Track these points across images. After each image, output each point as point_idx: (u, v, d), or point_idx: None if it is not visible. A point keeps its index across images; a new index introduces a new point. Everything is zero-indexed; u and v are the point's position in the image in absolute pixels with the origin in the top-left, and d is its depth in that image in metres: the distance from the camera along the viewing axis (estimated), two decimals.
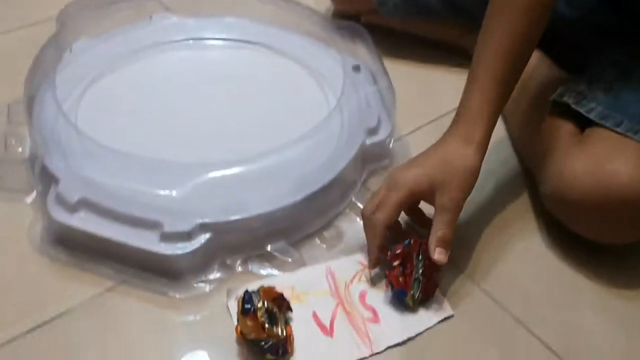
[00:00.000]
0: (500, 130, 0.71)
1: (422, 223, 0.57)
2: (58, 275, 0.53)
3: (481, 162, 0.54)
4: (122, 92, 0.67)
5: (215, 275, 0.54)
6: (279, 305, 0.50)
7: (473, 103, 0.54)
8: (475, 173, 0.53)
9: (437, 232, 0.51)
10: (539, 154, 0.62)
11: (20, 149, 0.62)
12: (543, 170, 0.60)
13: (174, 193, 0.54)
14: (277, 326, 0.47)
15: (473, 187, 0.54)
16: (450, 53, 0.79)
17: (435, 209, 0.52)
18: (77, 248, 0.54)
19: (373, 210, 0.53)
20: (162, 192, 0.54)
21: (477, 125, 0.54)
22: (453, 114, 0.71)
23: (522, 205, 0.63)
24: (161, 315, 0.51)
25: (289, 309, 0.50)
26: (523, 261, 0.57)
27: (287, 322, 0.49)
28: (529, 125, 0.67)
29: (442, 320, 0.52)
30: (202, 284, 0.53)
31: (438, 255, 0.51)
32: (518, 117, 0.69)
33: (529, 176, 0.65)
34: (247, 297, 0.47)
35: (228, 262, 0.55)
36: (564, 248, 0.59)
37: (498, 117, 0.55)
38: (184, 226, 0.52)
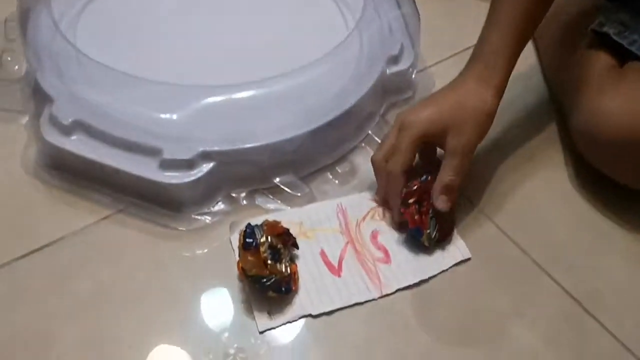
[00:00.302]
0: (529, 53, 0.65)
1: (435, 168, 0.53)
2: (52, 201, 0.50)
3: (497, 106, 0.49)
4: (123, 9, 0.61)
5: (218, 207, 0.50)
6: (284, 241, 0.46)
7: (493, 44, 0.49)
8: (491, 118, 0.49)
9: (444, 178, 0.47)
10: (571, 85, 0.56)
11: (16, 67, 0.58)
12: (574, 104, 0.54)
13: (175, 118, 0.50)
14: (280, 263, 0.44)
15: (487, 132, 0.49)
16: None
17: (445, 153, 0.48)
18: (72, 173, 0.51)
19: (386, 156, 0.49)
20: (162, 117, 0.50)
21: (496, 67, 0.49)
22: None
23: (549, 139, 0.58)
24: (159, 247, 0.48)
25: (295, 245, 0.47)
26: (547, 201, 0.53)
27: (292, 260, 0.46)
28: (561, 54, 0.61)
29: (458, 263, 0.48)
30: (203, 217, 0.50)
31: (441, 203, 0.47)
32: (549, 43, 0.63)
33: (559, 108, 0.60)
34: (249, 231, 0.44)
35: (232, 194, 0.51)
36: (592, 189, 0.54)
37: (517, 59, 0.50)
38: (185, 154, 0.48)
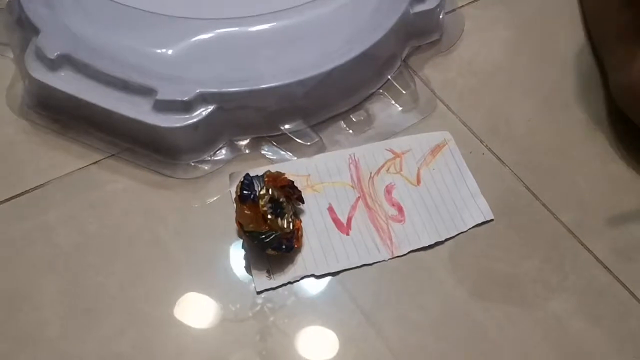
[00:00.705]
0: (575, 6, 0.58)
1: None
2: (39, 143, 0.46)
3: None
4: None
5: (218, 156, 0.46)
6: (288, 194, 0.42)
7: None
8: None
9: None
10: (611, 32, 0.50)
11: None
12: (614, 55, 0.48)
13: (172, 54, 0.45)
14: (282, 218, 0.40)
15: None
16: None
17: None
18: (62, 113, 0.46)
19: None
20: (158, 53, 0.45)
21: None
22: None
23: (588, 92, 0.51)
24: (152, 197, 0.44)
25: (301, 200, 0.43)
26: (582, 160, 0.47)
27: (296, 215, 0.42)
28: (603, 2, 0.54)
29: (478, 224, 0.43)
30: (202, 165, 0.45)
31: None
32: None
33: (599, 58, 0.53)
34: (247, 182, 0.39)
35: (234, 141, 0.47)
36: (631, 150, 0.48)
37: None
38: (181, 95, 0.43)
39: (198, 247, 0.42)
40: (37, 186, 0.44)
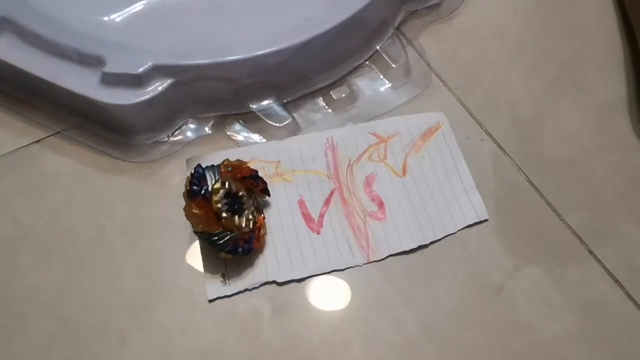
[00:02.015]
0: None
1: None
2: None
3: None
4: None
5: (177, 136, 0.40)
6: (250, 186, 0.36)
7: None
8: None
9: None
10: None
11: None
12: None
13: (123, 20, 0.38)
14: (241, 216, 0.34)
15: None
16: None
17: None
18: (5, 84, 0.40)
19: None
20: (106, 18, 0.38)
21: None
22: None
23: (605, 70, 0.43)
24: (99, 182, 0.38)
25: (266, 192, 0.37)
26: (597, 152, 0.40)
27: (259, 210, 0.36)
28: None
29: (470, 225, 0.37)
30: (159, 146, 0.39)
31: None
32: None
33: (630, 31, 0.45)
34: (197, 175, 0.33)
35: (196, 120, 0.40)
36: None
37: None
38: (132, 68, 0.37)
39: (147, 245, 0.36)
40: None
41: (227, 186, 0.34)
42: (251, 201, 0.35)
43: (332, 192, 0.38)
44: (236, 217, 0.33)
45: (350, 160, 0.39)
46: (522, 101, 0.42)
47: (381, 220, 0.37)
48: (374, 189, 0.39)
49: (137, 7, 0.38)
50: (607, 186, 0.39)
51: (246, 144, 0.40)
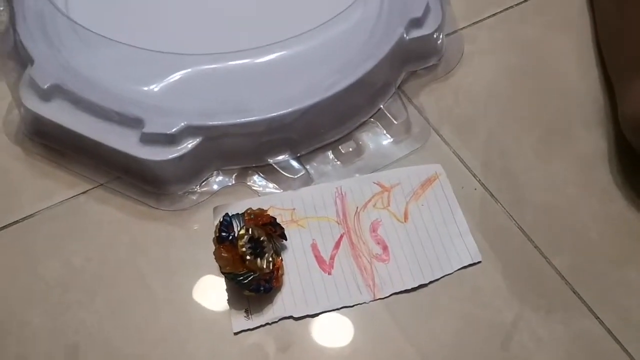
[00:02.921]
0: (584, 19, 0.54)
1: None
2: (32, 171, 0.45)
3: None
4: None
5: (205, 187, 0.45)
6: (270, 232, 0.40)
7: None
8: None
9: None
10: (629, 61, 0.46)
11: (7, 16, 0.53)
12: (627, 86, 0.45)
13: (159, 87, 0.43)
14: (262, 258, 0.39)
15: None
16: None
17: None
18: (54, 141, 0.46)
19: None
20: (145, 85, 0.43)
21: None
22: (527, 6, 0.56)
23: (592, 123, 0.48)
24: (137, 229, 0.43)
25: (283, 237, 0.41)
26: (581, 198, 0.44)
27: (277, 253, 0.41)
28: (619, 24, 0.50)
29: (465, 266, 0.41)
30: (189, 196, 0.44)
31: None
32: (606, 9, 0.52)
33: (608, 86, 0.49)
34: (225, 223, 0.38)
35: (221, 172, 0.45)
36: (636, 189, 0.44)
37: None
38: (167, 127, 0.42)
39: (179, 283, 0.41)
40: (27, 216, 0.43)
41: (250, 232, 0.38)
42: (271, 245, 0.40)
43: (341, 237, 0.43)
44: (258, 259, 0.38)
45: (357, 208, 0.44)
46: (512, 153, 0.47)
47: (385, 262, 0.42)
48: (378, 233, 0.43)
49: (172, 78, 0.43)
50: (590, 232, 0.43)
51: (265, 194, 0.44)
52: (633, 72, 0.45)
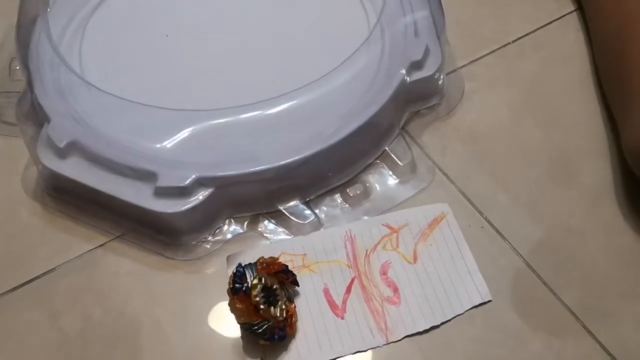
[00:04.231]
0: (582, 52, 0.55)
1: None
2: (50, 226, 0.46)
3: None
4: (123, 26, 0.55)
5: (218, 235, 0.45)
6: (282, 279, 0.41)
7: None
8: None
9: None
10: (624, 93, 0.46)
11: (25, 76, 0.54)
12: (628, 116, 0.45)
13: (171, 142, 0.45)
14: (275, 306, 0.39)
15: None
16: None
17: None
18: (71, 196, 0.47)
19: None
20: (158, 140, 0.45)
21: None
22: (524, 42, 0.58)
23: (597, 156, 0.48)
24: (154, 280, 0.43)
25: (296, 283, 0.42)
26: (588, 232, 0.44)
27: (290, 300, 0.41)
28: (617, 56, 0.50)
29: (476, 306, 0.42)
30: (203, 245, 0.45)
31: None
32: (605, 41, 0.52)
33: (611, 119, 0.50)
34: (239, 274, 0.39)
35: (233, 220, 0.46)
36: None
37: None
38: (180, 181, 0.43)
39: (195, 332, 0.41)
40: (47, 272, 0.44)
41: (263, 281, 0.39)
42: (283, 292, 0.40)
43: (352, 280, 0.43)
44: (272, 307, 0.39)
45: (367, 250, 0.45)
46: (517, 189, 0.47)
47: (397, 305, 0.42)
48: (389, 275, 0.43)
49: (183, 134, 0.45)
50: (598, 265, 0.43)
51: (276, 240, 0.45)
52: (633, 102, 0.45)
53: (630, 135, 0.45)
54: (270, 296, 0.39)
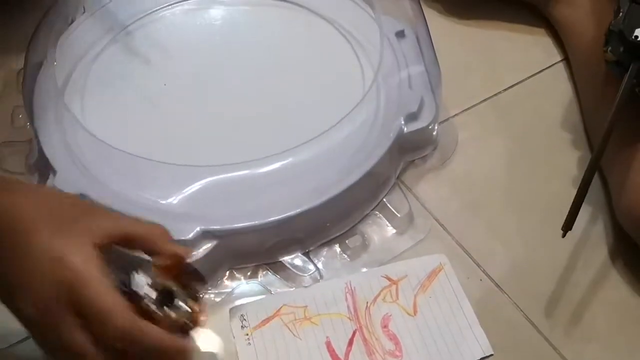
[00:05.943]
0: (573, 103, 0.55)
1: None
2: None
3: None
4: (129, 69, 0.55)
5: (220, 287, 0.45)
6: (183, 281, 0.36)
7: None
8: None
9: None
10: (613, 155, 0.46)
11: (28, 125, 0.54)
12: (618, 179, 0.46)
13: (176, 197, 0.45)
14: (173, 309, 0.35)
15: None
16: (519, 10, 0.62)
17: None
18: None
19: None
20: (163, 194, 0.45)
21: None
22: (514, 90, 0.58)
23: (590, 213, 0.48)
24: None
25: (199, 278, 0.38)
26: (584, 286, 0.44)
27: (194, 298, 0.36)
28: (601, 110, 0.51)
29: None
30: (207, 295, 0.45)
31: None
32: (595, 108, 0.53)
33: (604, 182, 0.49)
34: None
35: (234, 271, 0.46)
36: (637, 273, 0.45)
37: None
38: (184, 234, 0.43)
39: None
40: None
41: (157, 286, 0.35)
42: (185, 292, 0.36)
43: (354, 333, 0.43)
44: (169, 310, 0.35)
45: (367, 303, 0.44)
46: (514, 241, 0.47)
47: (398, 358, 0.41)
48: (390, 328, 0.43)
49: (189, 189, 0.45)
50: (597, 320, 0.43)
51: (277, 292, 0.45)
52: (622, 165, 0.46)
53: (621, 197, 0.45)
54: (166, 300, 0.35)
